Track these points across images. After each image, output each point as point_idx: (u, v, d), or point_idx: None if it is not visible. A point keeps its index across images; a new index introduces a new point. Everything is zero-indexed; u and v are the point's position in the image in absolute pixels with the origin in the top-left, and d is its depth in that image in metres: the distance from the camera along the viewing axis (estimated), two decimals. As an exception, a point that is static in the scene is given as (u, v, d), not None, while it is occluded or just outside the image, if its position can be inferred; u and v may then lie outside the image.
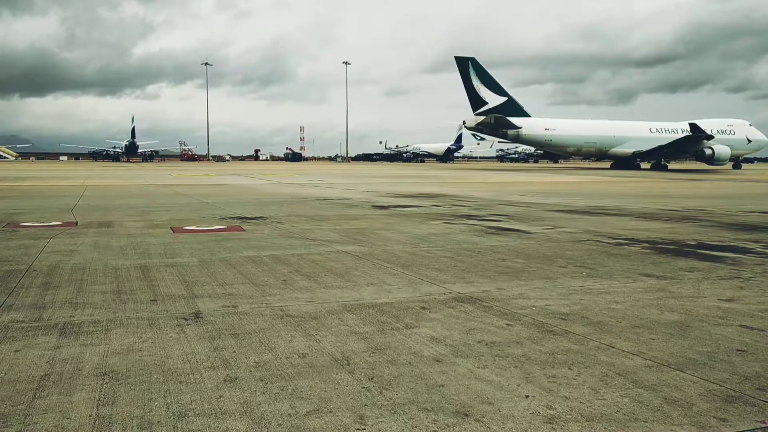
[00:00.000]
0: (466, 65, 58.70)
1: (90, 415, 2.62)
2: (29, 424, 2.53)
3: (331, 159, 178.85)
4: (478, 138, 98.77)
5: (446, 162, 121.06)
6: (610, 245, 7.69)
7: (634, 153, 58.17)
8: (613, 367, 3.25)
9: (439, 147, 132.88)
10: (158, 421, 2.57)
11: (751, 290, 5.13)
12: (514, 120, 57.22)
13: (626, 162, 58.89)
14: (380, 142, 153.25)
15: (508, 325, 4.05)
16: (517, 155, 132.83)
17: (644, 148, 57.69)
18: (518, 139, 60.34)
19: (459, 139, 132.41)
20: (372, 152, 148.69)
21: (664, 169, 55.97)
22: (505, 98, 59.18)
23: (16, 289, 5.01)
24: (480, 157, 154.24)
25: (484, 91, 58.66)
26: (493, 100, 58.66)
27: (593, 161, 74.16)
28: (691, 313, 4.35)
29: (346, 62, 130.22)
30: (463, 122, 61.21)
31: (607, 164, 66.42)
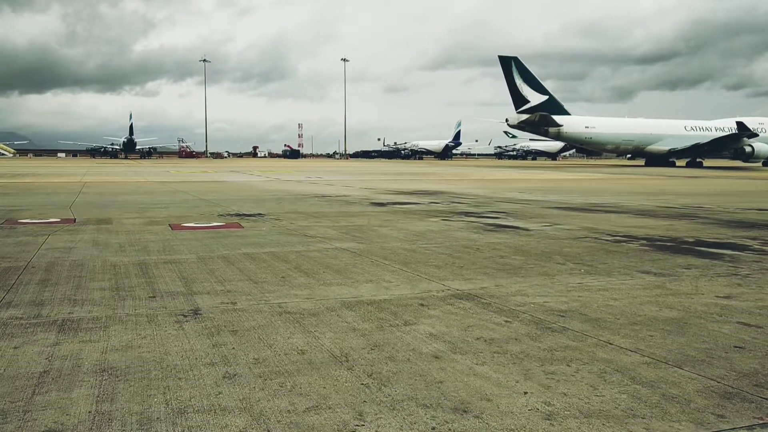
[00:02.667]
0: (509, 64, 59.30)
1: (89, 412, 2.62)
2: (28, 421, 2.54)
3: (329, 156, 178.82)
4: (510, 135, 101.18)
5: (444, 159, 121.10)
6: (608, 242, 7.70)
7: (669, 151, 58.84)
8: (611, 363, 3.26)
9: (438, 144, 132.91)
10: (157, 418, 2.57)
11: (749, 287, 5.14)
12: (556, 118, 58.13)
13: (661, 159, 59.54)
14: (378, 139, 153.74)
15: (506, 321, 4.06)
16: (515, 152, 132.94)
17: (679, 145, 58.30)
18: (559, 136, 61.27)
19: (457, 136, 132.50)
20: (370, 149, 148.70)
21: (699, 166, 56.52)
22: (546, 96, 59.86)
23: (14, 286, 5.01)
24: (478, 154, 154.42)
25: (526, 90, 59.23)
26: (534, 98, 59.26)
27: (627, 159, 74.80)
28: (689, 310, 4.36)
29: (344, 59, 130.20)
30: (506, 120, 61.72)
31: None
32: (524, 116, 58.50)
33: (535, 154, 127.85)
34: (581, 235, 8.38)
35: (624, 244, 7.58)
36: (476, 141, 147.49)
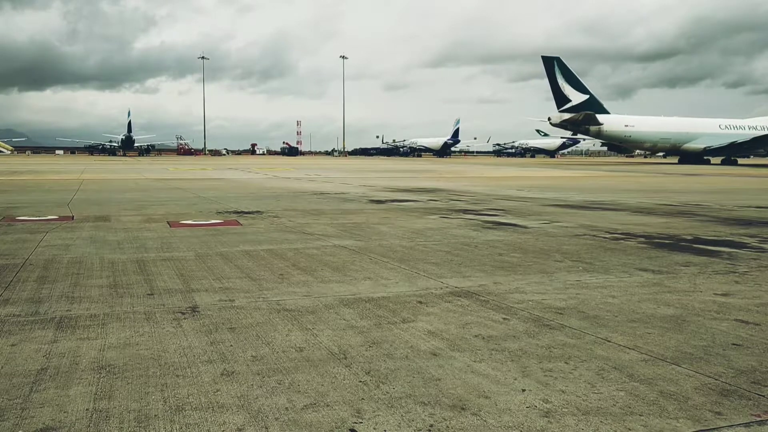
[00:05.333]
0: (551, 64, 60.83)
1: (87, 409, 2.62)
2: (26, 418, 2.53)
3: (327, 153, 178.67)
4: (542, 134, 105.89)
5: (443, 156, 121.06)
6: (606, 240, 7.70)
7: (705, 149, 60.35)
8: (609, 361, 3.27)
9: (436, 141, 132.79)
10: (155, 415, 2.57)
11: (747, 285, 5.15)
12: (597, 117, 59.79)
13: (696, 157, 60.87)
14: (377, 137, 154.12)
15: (504, 319, 4.06)
16: (513, 150, 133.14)
17: (715, 144, 59.81)
18: (599, 135, 62.91)
19: (456, 133, 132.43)
20: (369, 147, 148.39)
21: (734, 164, 57.76)
22: (587, 96, 61.44)
23: (12, 283, 5.00)
24: (477, 152, 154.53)
25: (567, 89, 60.85)
26: (576, 97, 60.93)
27: (660, 157, 76.18)
28: (687, 308, 4.37)
29: (343, 56, 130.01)
30: (548, 119, 63.54)
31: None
32: (567, 115, 60.22)
33: (534, 152, 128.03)
34: (579, 232, 8.39)
35: (622, 241, 7.59)
36: (475, 138, 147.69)
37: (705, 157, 60.57)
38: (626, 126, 60.79)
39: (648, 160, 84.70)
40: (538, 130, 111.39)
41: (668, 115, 65.43)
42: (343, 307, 4.34)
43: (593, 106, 60.68)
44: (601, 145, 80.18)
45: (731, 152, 59.72)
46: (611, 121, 60.60)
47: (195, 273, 5.46)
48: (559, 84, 60.50)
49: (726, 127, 61.78)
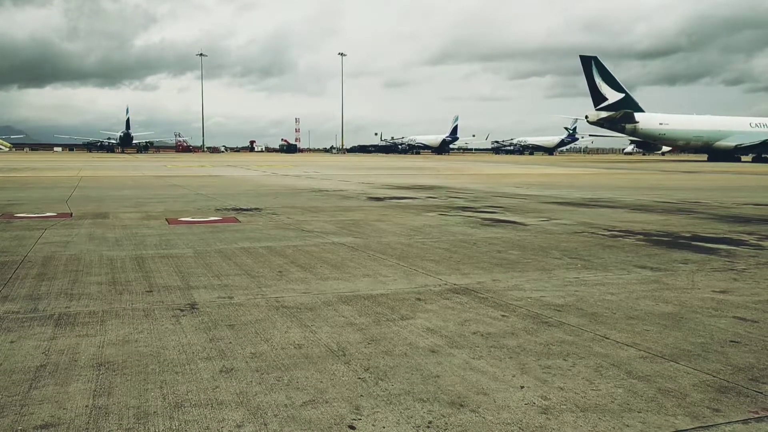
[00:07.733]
0: (589, 63, 61.73)
1: (86, 406, 2.62)
2: (25, 415, 2.53)
3: (326, 150, 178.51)
4: (570, 131, 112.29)
5: (442, 154, 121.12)
6: (605, 237, 7.71)
7: (736, 146, 61.45)
8: (607, 358, 3.27)
9: (435, 139, 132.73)
10: (154, 412, 2.57)
11: (745, 282, 5.16)
12: (634, 115, 61.08)
13: (726, 155, 61.80)
14: (376, 134, 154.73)
15: (503, 316, 4.06)
16: (512, 147, 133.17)
17: (746, 141, 60.96)
18: (635, 133, 63.91)
19: (454, 131, 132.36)
20: (368, 144, 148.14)
21: (766, 161, 58.62)
22: (623, 94, 62.28)
23: (11, 280, 5.00)
24: (475, 149, 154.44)
25: (604, 88, 61.72)
26: (612, 96, 61.82)
27: (688, 154, 77.44)
28: (686, 305, 4.38)
29: (341, 53, 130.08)
30: (586, 117, 64.51)
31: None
32: (604, 113, 61.26)
33: (532, 149, 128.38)
34: (578, 229, 8.39)
35: (621, 238, 7.59)
36: (473, 136, 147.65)
37: (736, 155, 61.37)
38: (660, 124, 61.89)
39: (648, 157, 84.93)
40: (566, 128, 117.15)
41: (700, 113, 66.90)
42: (342, 304, 4.34)
43: (629, 104, 61.64)
44: (630, 143, 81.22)
45: (763, 150, 60.61)
46: (646, 120, 61.62)
47: (194, 270, 5.46)
48: (596, 83, 61.32)
49: (757, 125, 62.82)
